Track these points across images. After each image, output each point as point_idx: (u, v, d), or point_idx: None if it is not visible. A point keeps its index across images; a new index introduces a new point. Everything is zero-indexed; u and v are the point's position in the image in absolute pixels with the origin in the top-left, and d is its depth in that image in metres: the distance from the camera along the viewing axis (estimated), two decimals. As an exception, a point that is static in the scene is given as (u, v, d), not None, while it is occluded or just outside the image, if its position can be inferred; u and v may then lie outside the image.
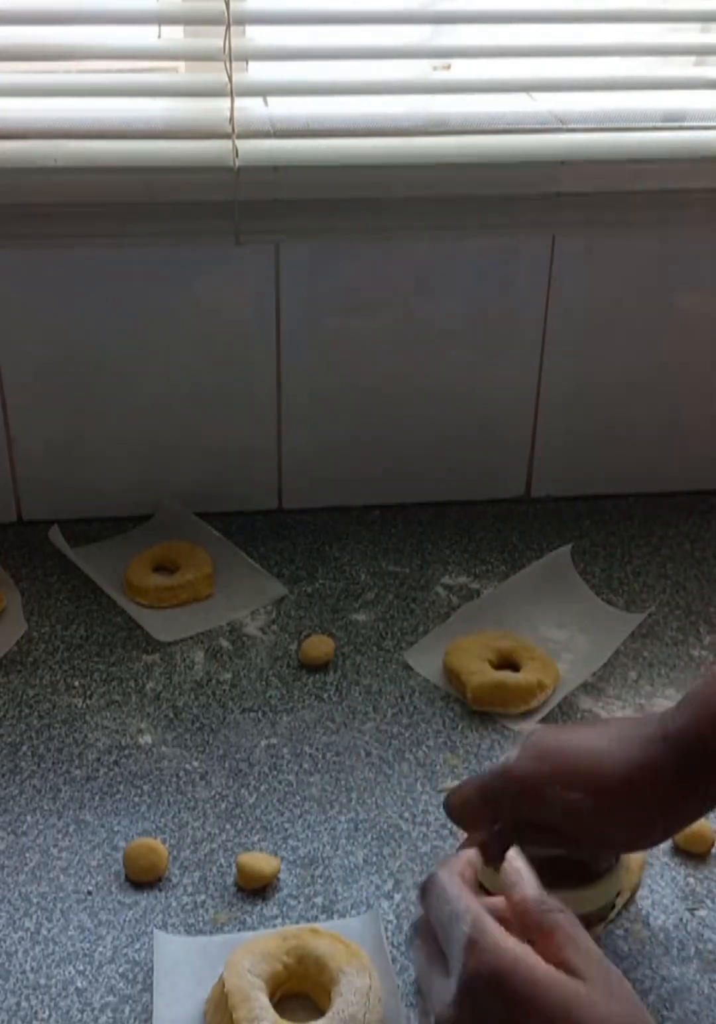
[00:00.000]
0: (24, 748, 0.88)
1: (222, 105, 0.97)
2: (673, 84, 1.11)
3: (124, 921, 0.74)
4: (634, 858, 0.75)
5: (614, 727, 0.69)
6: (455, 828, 0.80)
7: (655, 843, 0.70)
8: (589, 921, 0.65)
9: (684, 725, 0.65)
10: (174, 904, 0.75)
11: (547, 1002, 0.50)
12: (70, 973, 0.70)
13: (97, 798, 0.83)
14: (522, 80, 1.06)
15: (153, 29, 1.02)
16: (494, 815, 0.67)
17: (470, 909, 0.54)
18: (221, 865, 0.78)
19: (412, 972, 0.70)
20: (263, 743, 0.89)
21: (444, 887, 0.56)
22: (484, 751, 0.88)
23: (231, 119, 0.97)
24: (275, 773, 0.86)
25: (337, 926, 0.72)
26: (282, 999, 0.68)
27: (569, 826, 0.65)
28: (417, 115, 1.07)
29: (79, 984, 0.70)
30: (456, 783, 0.72)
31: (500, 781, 0.67)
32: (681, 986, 0.70)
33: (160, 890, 0.76)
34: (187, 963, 0.70)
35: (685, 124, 1.06)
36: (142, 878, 0.76)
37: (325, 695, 0.94)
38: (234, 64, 0.96)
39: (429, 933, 0.56)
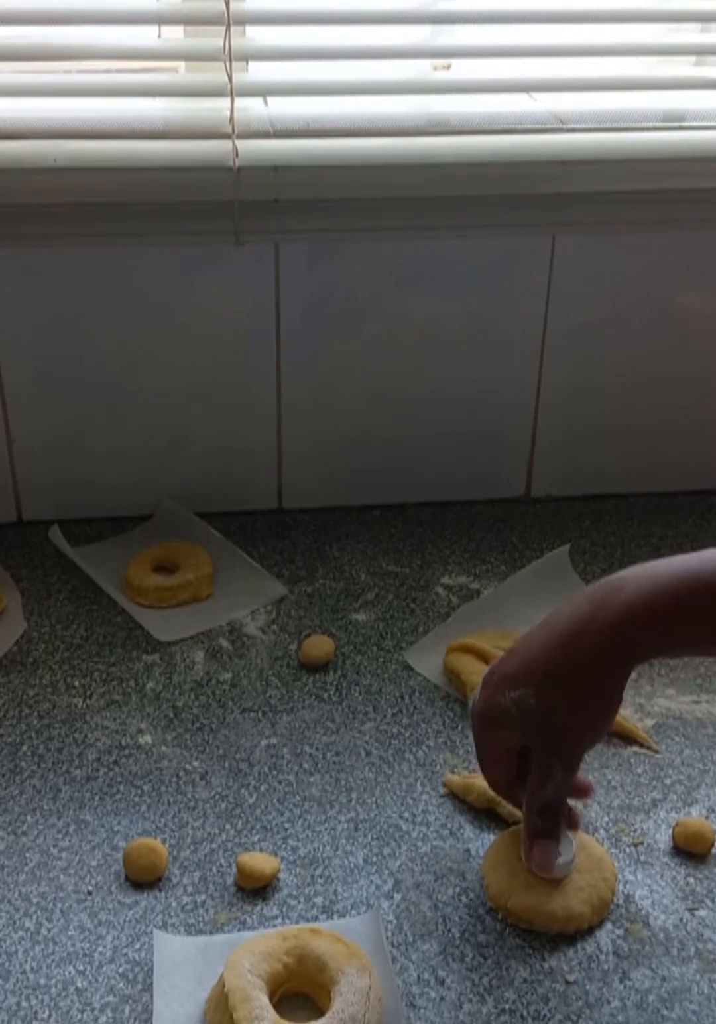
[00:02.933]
0: (24, 748, 0.88)
1: (222, 105, 0.97)
2: (673, 84, 1.11)
3: (124, 921, 0.74)
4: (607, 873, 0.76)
5: (550, 617, 0.72)
6: (455, 828, 0.81)
7: (604, 715, 0.70)
8: None
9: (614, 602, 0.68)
10: (174, 904, 0.75)
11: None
12: (70, 973, 0.70)
13: (97, 798, 0.83)
14: (522, 80, 1.06)
15: (153, 29, 1.02)
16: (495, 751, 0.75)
17: None
18: (221, 865, 0.78)
19: (412, 972, 0.70)
20: (263, 743, 0.89)
21: None
22: (484, 751, 0.88)
23: (231, 119, 0.97)
24: (275, 773, 0.86)
25: (337, 926, 0.72)
26: (282, 999, 0.68)
27: (524, 723, 0.70)
28: (417, 115, 1.07)
29: (79, 984, 0.70)
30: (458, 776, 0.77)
31: (472, 719, 0.75)
32: (681, 986, 0.70)
33: (160, 890, 0.76)
34: (187, 963, 0.70)
35: (685, 124, 1.06)
36: (142, 878, 0.76)
37: (325, 695, 0.94)
38: (234, 64, 0.96)
39: None
